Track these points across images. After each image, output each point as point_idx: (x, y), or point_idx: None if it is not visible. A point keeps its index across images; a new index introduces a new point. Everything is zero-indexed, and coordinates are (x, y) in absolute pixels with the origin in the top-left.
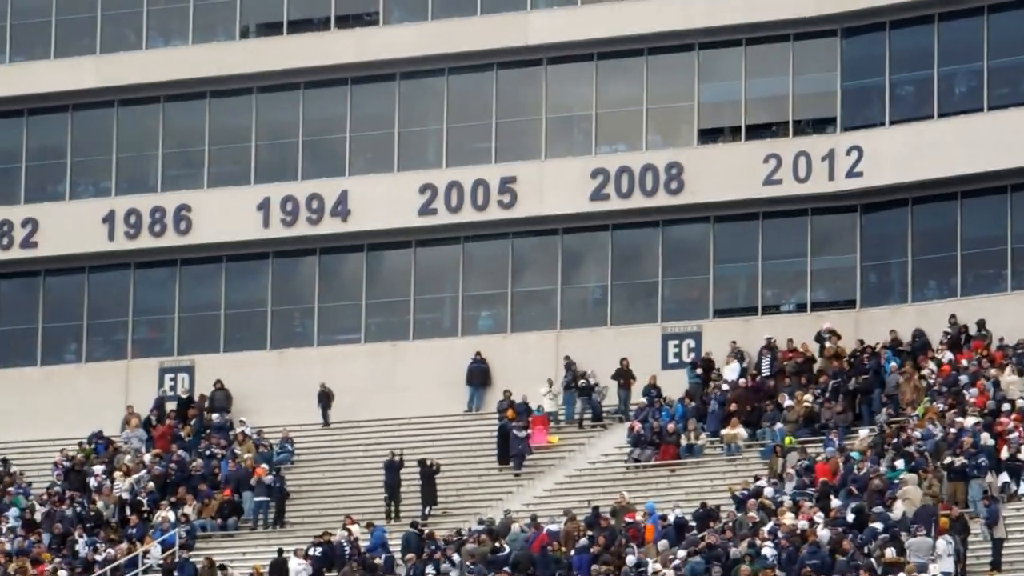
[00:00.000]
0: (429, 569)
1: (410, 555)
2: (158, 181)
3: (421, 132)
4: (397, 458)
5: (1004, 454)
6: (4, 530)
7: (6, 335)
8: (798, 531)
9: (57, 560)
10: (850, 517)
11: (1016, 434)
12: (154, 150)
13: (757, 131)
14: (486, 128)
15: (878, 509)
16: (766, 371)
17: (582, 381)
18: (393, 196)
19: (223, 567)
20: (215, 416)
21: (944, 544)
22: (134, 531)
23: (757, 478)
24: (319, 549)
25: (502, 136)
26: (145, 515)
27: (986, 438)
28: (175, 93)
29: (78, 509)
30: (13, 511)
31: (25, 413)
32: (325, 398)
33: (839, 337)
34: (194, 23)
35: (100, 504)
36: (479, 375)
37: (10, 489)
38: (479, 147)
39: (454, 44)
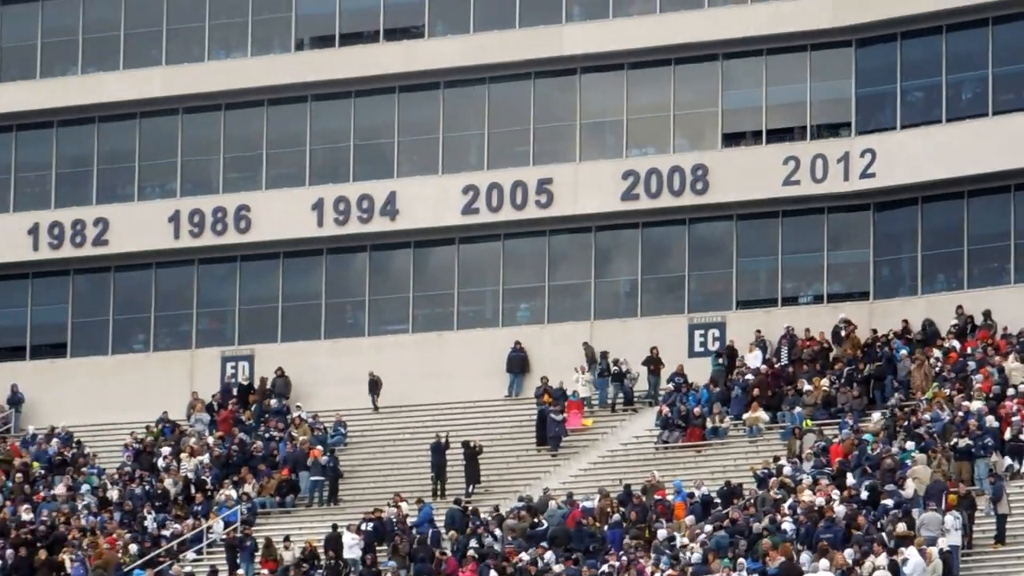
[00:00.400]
0: (472, 543)
1: (452, 532)
2: (220, 183)
3: (464, 137)
4: (443, 440)
5: (1008, 435)
6: (79, 507)
7: (80, 326)
8: (816, 507)
9: (127, 535)
10: (864, 494)
11: (1018, 417)
12: (216, 154)
13: (777, 135)
14: (524, 133)
15: (890, 487)
16: (785, 359)
17: (614, 368)
18: (438, 196)
19: (287, 537)
20: (273, 401)
21: (952, 519)
22: (199, 508)
23: (777, 458)
24: (370, 524)
25: (539, 140)
26: (209, 493)
27: (991, 421)
28: (235, 101)
29: (147, 488)
30: (86, 489)
31: (98, 399)
32: (374, 385)
33: (854, 327)
34: (252, 37)
35: (167, 483)
36: (518, 363)
37: (84, 469)
38: (518, 151)
39: (494, 55)
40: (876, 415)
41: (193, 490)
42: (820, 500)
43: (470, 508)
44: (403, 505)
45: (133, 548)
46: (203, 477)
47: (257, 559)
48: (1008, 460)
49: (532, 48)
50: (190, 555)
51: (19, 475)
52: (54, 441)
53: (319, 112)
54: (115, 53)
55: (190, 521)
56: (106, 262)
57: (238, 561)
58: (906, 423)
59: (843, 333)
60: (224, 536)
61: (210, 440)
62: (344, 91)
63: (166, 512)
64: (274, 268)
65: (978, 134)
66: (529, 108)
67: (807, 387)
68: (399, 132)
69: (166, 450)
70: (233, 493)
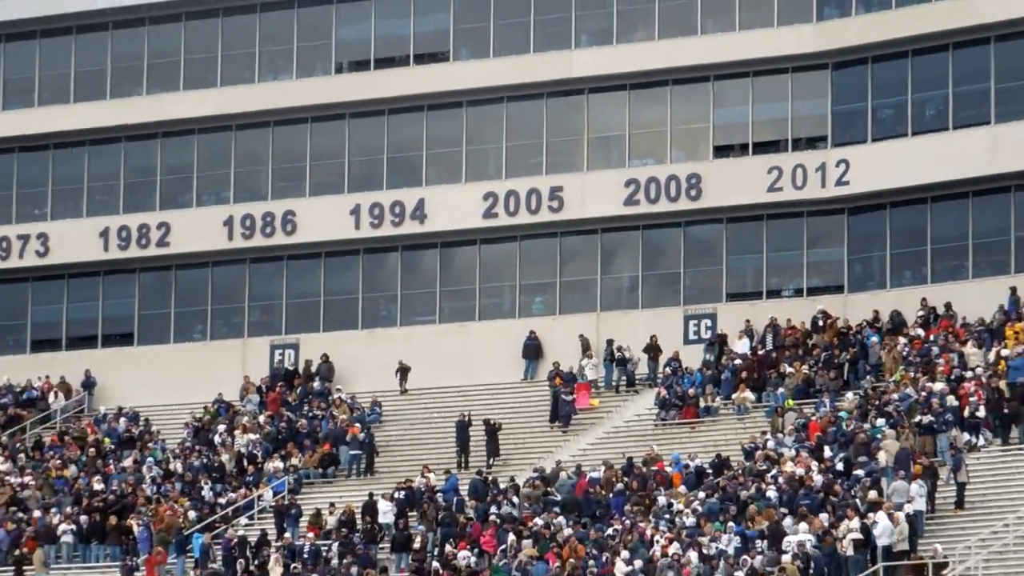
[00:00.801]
0: (492, 509)
1: (472, 501)
2: (268, 191)
3: (484, 149)
4: (466, 418)
5: (966, 413)
6: (145, 478)
7: (145, 318)
8: (796, 477)
9: (187, 503)
10: (839, 465)
11: (975, 397)
12: (265, 165)
13: (762, 147)
14: (538, 146)
15: (863, 459)
16: (770, 345)
17: (618, 354)
18: (461, 202)
19: (332, 504)
20: (316, 384)
21: (917, 487)
22: (250, 479)
23: (763, 433)
24: (402, 493)
25: (551, 152)
26: (259, 466)
27: (951, 400)
28: (282, 119)
29: (204, 461)
30: (151, 462)
31: (161, 382)
32: (402, 372)
33: (831, 318)
34: (297, 62)
35: (223, 457)
36: (533, 350)
37: (149, 445)
38: (532, 161)
39: (511, 77)
40: (850, 395)
41: (245, 463)
42: (800, 470)
43: (490, 478)
44: (431, 476)
45: (192, 514)
46: (254, 451)
47: (302, 524)
48: (966, 435)
49: (545, 71)
50: (243, 520)
51: (92, 450)
52: (122, 420)
53: (356, 128)
54: (175, 77)
55: (243, 490)
56: (168, 261)
57: (285, 526)
58: (876, 402)
59: (820, 323)
60: (273, 503)
61: (260, 419)
62: (378, 109)
63: (222, 482)
64: (317, 266)
65: (940, 146)
66: (542, 124)
67: (788, 370)
68: (427, 145)
69: (221, 428)
70: (281, 465)
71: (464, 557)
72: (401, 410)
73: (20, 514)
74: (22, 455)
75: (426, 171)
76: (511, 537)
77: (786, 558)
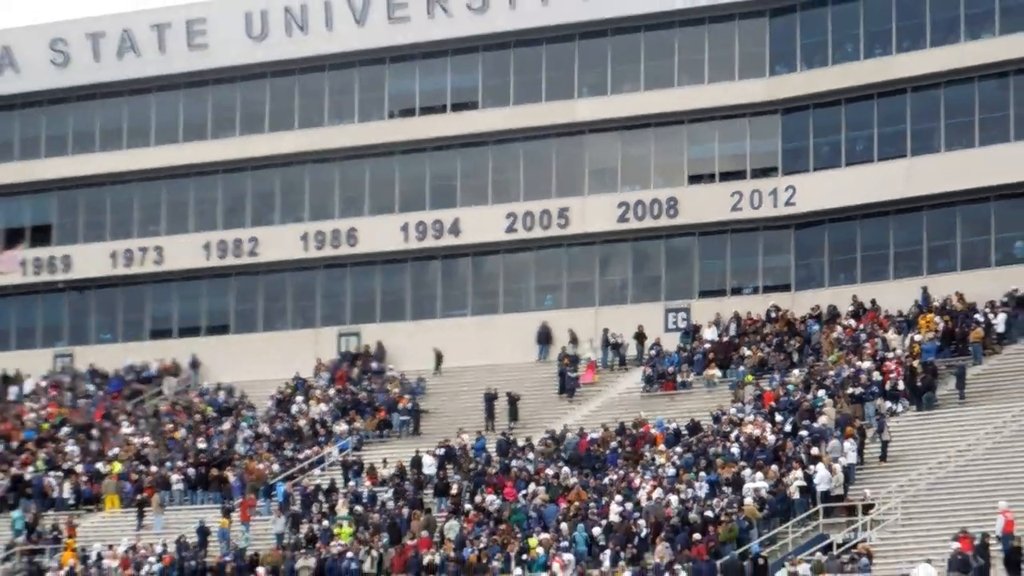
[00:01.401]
0: (513, 463)
1: (497, 457)
2: (335, 212)
3: (506, 179)
4: (492, 391)
5: (888, 386)
6: (239, 439)
7: (239, 313)
8: (754, 437)
9: (272, 459)
10: (788, 427)
11: (895, 373)
12: (332, 192)
13: (726, 176)
14: (548, 176)
15: (806, 422)
16: (732, 332)
17: (612, 340)
18: (488, 220)
19: (385, 459)
20: (374, 364)
21: (849, 444)
22: (322, 439)
23: (729, 402)
24: (442, 450)
25: (558, 181)
26: (329, 429)
27: (876, 375)
28: (345, 155)
29: (285, 425)
30: (244, 425)
31: (252, 363)
32: (438, 356)
33: (781, 311)
34: (358, 109)
35: (300, 422)
36: (545, 336)
37: (243, 412)
38: (543, 188)
39: (526, 122)
40: (796, 372)
41: (318, 427)
42: (757, 431)
43: (511, 439)
44: (465, 436)
45: (276, 467)
46: (325, 417)
47: (363, 475)
48: (888, 403)
49: (552, 116)
50: (316, 472)
51: (197, 416)
52: (221, 392)
53: (403, 162)
54: (260, 121)
55: (316, 448)
56: (256, 268)
57: (349, 476)
58: (818, 378)
59: (773, 315)
60: (340, 459)
61: (330, 392)
62: (421, 148)
63: (299, 442)
64: (373, 271)
65: (866, 175)
66: (552, 158)
67: (747, 353)
68: (460, 176)
69: (299, 399)
70: (346, 428)
71: (491, 501)
72: (441, 384)
73: (141, 467)
74: (143, 421)
75: (460, 196)
76: (531, 487)
77: (747, 500)
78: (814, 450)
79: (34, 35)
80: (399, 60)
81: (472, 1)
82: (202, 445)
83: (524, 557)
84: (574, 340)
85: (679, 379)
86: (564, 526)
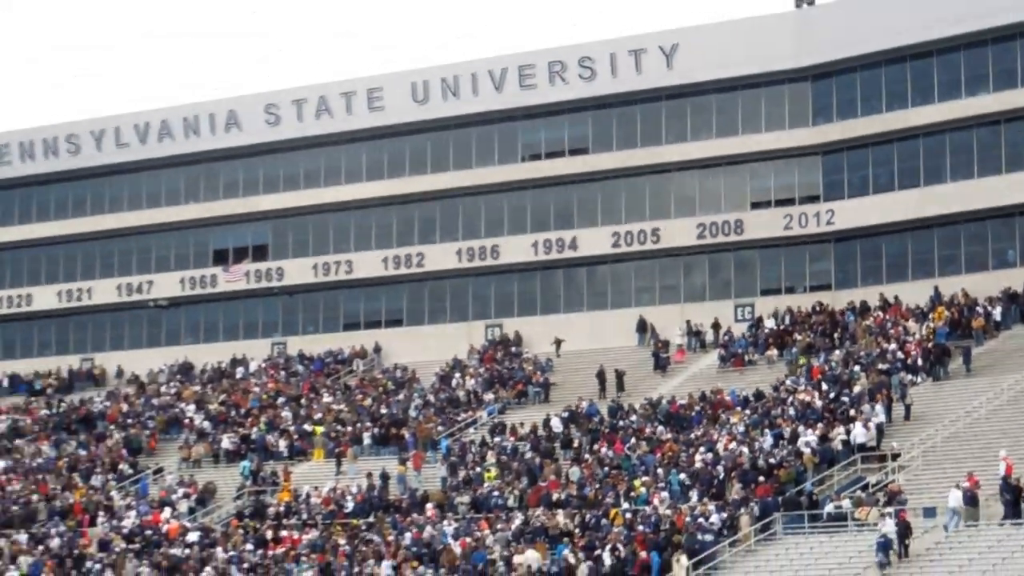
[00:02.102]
0: (620, 423)
1: (608, 419)
2: (482, 232)
3: (613, 206)
4: (602, 368)
5: (908, 362)
6: (411, 406)
7: (409, 310)
8: (805, 402)
9: (438, 420)
10: (832, 395)
11: (915, 353)
12: (481, 217)
13: (780, 203)
14: (643, 202)
15: (845, 391)
16: (787, 322)
17: (695, 329)
18: (598, 238)
19: (522, 422)
20: (513, 348)
21: (880, 408)
22: (474, 405)
23: (785, 376)
24: (566, 413)
25: (651, 206)
26: (480, 398)
27: (899, 355)
28: (489, 190)
29: (447, 395)
30: (416, 395)
31: (421, 348)
32: (557, 343)
33: (824, 305)
34: (498, 154)
35: (459, 393)
36: (642, 326)
37: (414, 385)
38: (640, 212)
39: (627, 162)
40: (837, 352)
41: (471, 396)
42: (808, 398)
43: (619, 404)
44: (584, 403)
45: (440, 428)
46: (476, 389)
47: (506, 432)
48: (910, 376)
49: (646, 158)
50: (471, 431)
51: (380, 388)
52: (397, 371)
53: (533, 195)
54: (424, 165)
55: (470, 412)
56: (423, 276)
57: (496, 434)
58: (854, 356)
59: (818, 309)
60: (488, 420)
61: (480, 369)
62: (547, 184)
63: (457, 408)
64: (512, 278)
65: (888, 201)
66: (646, 190)
67: (799, 338)
68: (576, 205)
69: (457, 375)
70: (492, 397)
71: (604, 453)
72: (565, 363)
73: (339, 427)
74: (339, 392)
75: (576, 219)
76: (632, 440)
77: (803, 451)
78: (852, 412)
79: (252, 102)
80: (528, 117)
81: (583, 71)
82: (384, 410)
83: (631, 495)
84: (643, 330)
85: (746, 358)
86: (660, 471)
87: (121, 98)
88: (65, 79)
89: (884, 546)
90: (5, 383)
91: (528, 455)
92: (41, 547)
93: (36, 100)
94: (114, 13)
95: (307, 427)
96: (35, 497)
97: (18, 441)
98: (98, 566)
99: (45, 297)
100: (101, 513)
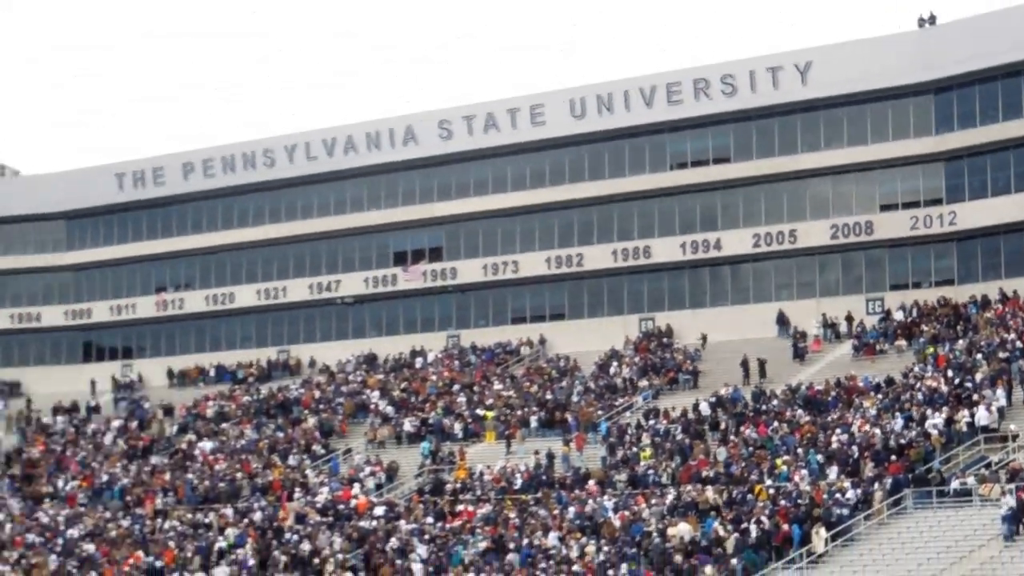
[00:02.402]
0: (762, 407)
1: (751, 403)
2: (635, 235)
3: (753, 209)
4: (745, 357)
5: None
6: (574, 392)
7: (570, 306)
8: (932, 387)
9: (597, 405)
10: (956, 381)
11: None
12: (632, 221)
13: (907, 205)
14: (781, 207)
15: (968, 377)
16: (914, 315)
17: (829, 321)
18: (740, 239)
19: (673, 407)
20: (665, 339)
21: (1001, 392)
22: (630, 391)
23: (913, 364)
24: (713, 398)
25: (789, 210)
26: (635, 384)
27: (1018, 344)
28: (641, 196)
29: (603, 382)
30: (576, 382)
31: (581, 340)
32: (703, 336)
33: (948, 299)
34: (648, 163)
35: (616, 380)
36: (782, 319)
37: (576, 373)
38: (778, 215)
39: (764, 170)
40: (961, 342)
41: (627, 383)
42: (934, 384)
43: (762, 390)
44: (728, 388)
45: (600, 412)
46: (632, 376)
47: (660, 416)
48: None
49: (784, 166)
50: (627, 414)
51: (545, 376)
52: (560, 360)
53: (681, 200)
54: (581, 174)
55: (626, 397)
56: (583, 275)
57: (649, 417)
58: (977, 345)
59: (943, 302)
60: (643, 405)
61: (635, 359)
62: (692, 190)
63: (614, 394)
64: (663, 275)
65: (1004, 203)
66: (784, 195)
67: (925, 328)
68: (720, 209)
69: (614, 364)
70: (646, 383)
71: (749, 434)
72: (712, 354)
73: (508, 411)
74: (508, 380)
75: (720, 222)
76: (775, 424)
77: (931, 432)
78: (975, 396)
79: (427, 118)
80: (675, 130)
81: (725, 88)
82: (548, 396)
83: (774, 472)
84: (781, 322)
85: (878, 348)
86: (800, 451)
87: (121, 98)
88: (65, 79)
89: (1010, 518)
90: (212, 373)
91: (679, 436)
92: (245, 520)
93: (36, 100)
94: (114, 13)
95: (479, 412)
96: (239, 475)
97: (224, 425)
98: (295, 537)
99: (246, 295)
100: (297, 489)
